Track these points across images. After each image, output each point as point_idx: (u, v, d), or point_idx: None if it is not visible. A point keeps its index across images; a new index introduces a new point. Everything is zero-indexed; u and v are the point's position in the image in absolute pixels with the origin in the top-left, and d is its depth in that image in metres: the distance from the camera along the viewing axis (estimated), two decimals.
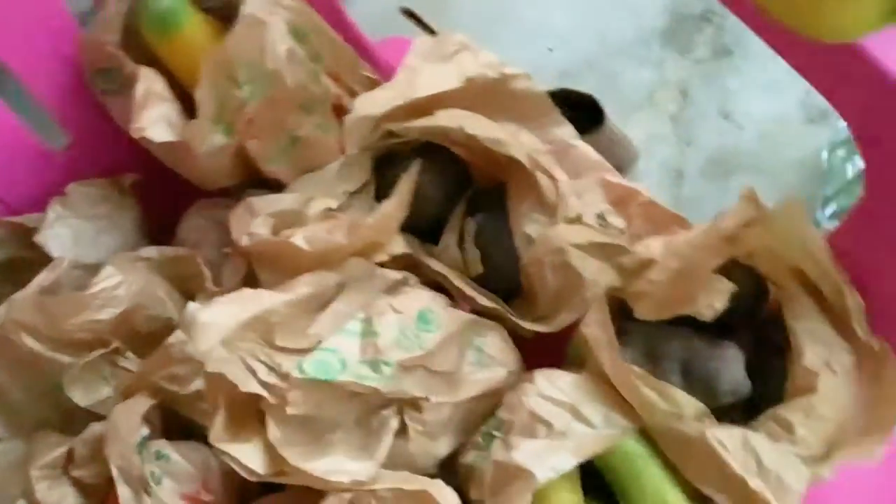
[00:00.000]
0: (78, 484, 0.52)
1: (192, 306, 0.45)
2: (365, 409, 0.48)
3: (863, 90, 0.44)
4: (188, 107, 0.54)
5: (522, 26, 1.10)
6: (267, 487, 0.51)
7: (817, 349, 0.51)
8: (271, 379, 0.45)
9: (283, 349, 0.46)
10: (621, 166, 0.94)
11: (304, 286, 0.47)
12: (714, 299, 0.49)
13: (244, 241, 0.51)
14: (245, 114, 0.50)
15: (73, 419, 0.56)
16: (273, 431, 0.45)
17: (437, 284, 0.59)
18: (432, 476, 0.51)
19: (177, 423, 0.54)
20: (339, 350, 0.47)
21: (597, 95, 1.04)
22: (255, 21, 0.48)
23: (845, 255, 0.51)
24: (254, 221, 0.52)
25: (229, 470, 0.47)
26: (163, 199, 0.64)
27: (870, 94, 0.44)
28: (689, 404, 0.49)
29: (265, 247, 0.51)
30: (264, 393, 0.45)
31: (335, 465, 0.45)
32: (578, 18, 1.08)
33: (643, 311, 0.52)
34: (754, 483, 0.46)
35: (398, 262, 0.59)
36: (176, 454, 0.49)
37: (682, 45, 1.05)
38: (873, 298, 0.51)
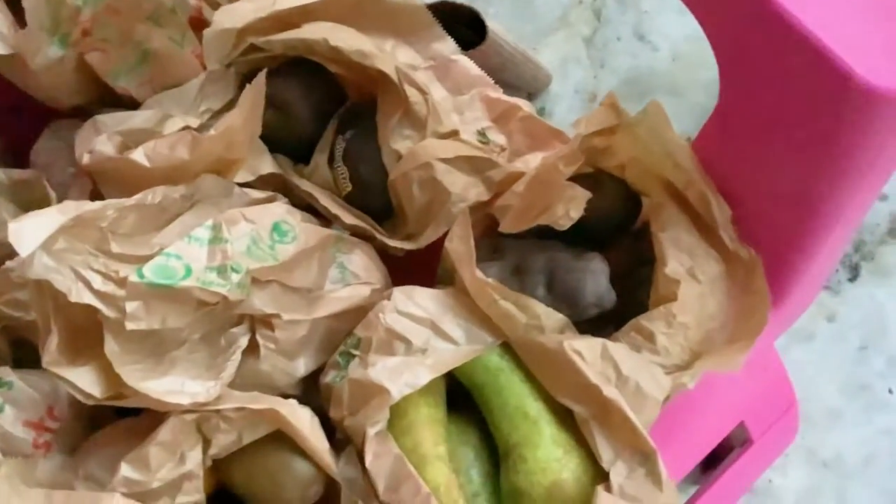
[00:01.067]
0: None
1: None
2: (214, 326, 0.46)
3: None
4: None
5: None
6: (122, 413, 0.50)
7: (681, 257, 0.50)
8: (108, 288, 0.43)
9: (121, 257, 0.44)
10: (529, 88, 0.92)
11: (140, 195, 0.45)
12: (571, 208, 0.48)
13: (85, 159, 0.49)
14: (80, 23, 0.47)
15: None
16: (110, 346, 0.43)
17: (309, 206, 0.57)
18: (293, 396, 0.50)
19: (33, 351, 0.52)
20: (184, 256, 0.44)
21: (510, 17, 1.01)
22: None
23: (710, 161, 0.50)
24: (98, 139, 0.49)
25: None
26: (27, 122, 0.61)
27: None
28: (550, 316, 0.49)
29: (107, 164, 0.48)
30: (99, 305, 0.43)
31: (176, 385, 0.44)
32: None
33: (506, 224, 0.51)
34: (608, 391, 0.45)
35: (268, 183, 0.57)
36: (20, 381, 0.47)
37: None
38: (739, 205, 0.51)
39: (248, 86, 0.48)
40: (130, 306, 0.43)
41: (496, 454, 0.50)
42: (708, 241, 0.51)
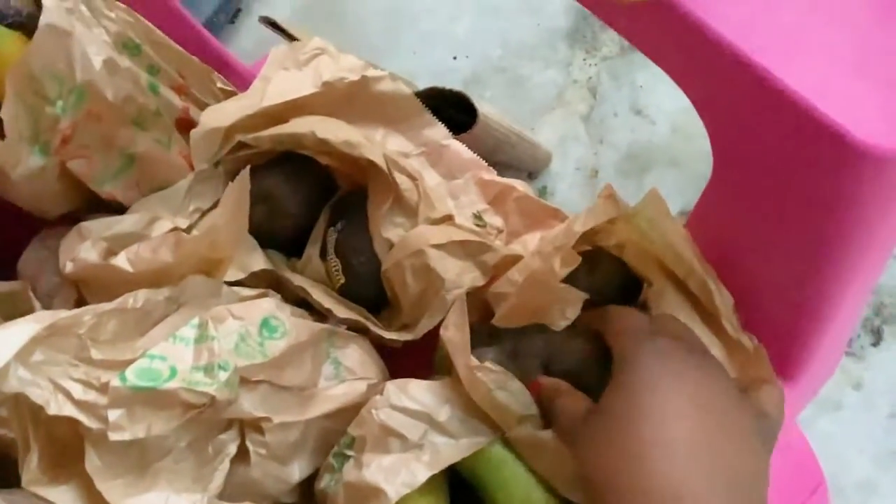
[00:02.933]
0: None
1: None
2: (200, 433, 0.44)
3: (697, 59, 0.42)
4: None
5: (425, 36, 1.08)
6: None
7: None
8: (89, 397, 0.41)
9: (102, 363, 0.42)
10: (529, 168, 0.92)
11: (121, 300, 0.44)
12: (566, 310, 0.46)
13: (68, 267, 0.48)
14: (60, 131, 0.47)
15: None
16: (92, 461, 0.41)
17: (303, 301, 0.56)
18: None
19: (15, 469, 0.50)
20: (169, 357, 0.43)
21: (506, 99, 1.02)
22: (55, 32, 0.45)
23: (708, 235, 0.48)
24: (82, 246, 0.48)
25: None
26: (15, 231, 0.61)
27: (703, 63, 0.41)
28: None
29: (90, 272, 0.47)
30: (81, 416, 0.41)
31: (160, 501, 0.42)
32: (481, 24, 1.06)
33: (500, 319, 0.49)
34: None
35: (260, 280, 0.55)
36: (2, 502, 0.45)
37: (588, 43, 1.03)
38: (742, 279, 0.49)
39: (230, 184, 0.48)
40: (113, 414, 0.41)
41: None
42: (710, 328, 0.49)
